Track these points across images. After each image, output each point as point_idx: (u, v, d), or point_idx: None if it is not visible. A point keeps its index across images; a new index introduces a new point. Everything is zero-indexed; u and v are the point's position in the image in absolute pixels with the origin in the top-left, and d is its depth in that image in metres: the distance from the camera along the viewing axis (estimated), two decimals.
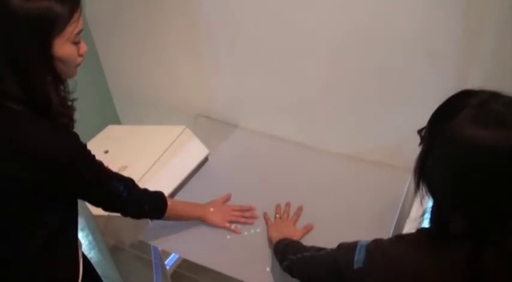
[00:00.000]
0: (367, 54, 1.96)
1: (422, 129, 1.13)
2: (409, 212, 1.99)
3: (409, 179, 2.08)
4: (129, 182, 1.57)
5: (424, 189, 1.12)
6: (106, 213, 1.66)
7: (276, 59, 2.19)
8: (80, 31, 1.32)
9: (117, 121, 3.07)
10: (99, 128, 2.58)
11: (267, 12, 2.08)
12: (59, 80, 1.34)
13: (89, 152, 1.39)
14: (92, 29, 2.69)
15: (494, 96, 1.02)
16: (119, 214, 1.61)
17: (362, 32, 1.92)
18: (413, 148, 1.16)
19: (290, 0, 1.99)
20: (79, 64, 1.38)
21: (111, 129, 2.56)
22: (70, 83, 1.41)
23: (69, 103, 1.39)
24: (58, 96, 1.33)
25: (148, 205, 1.66)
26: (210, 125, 2.63)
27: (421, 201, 1.14)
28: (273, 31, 2.12)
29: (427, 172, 1.09)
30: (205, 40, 2.36)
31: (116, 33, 2.66)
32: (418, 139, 1.14)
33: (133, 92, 2.88)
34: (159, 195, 1.73)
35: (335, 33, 1.97)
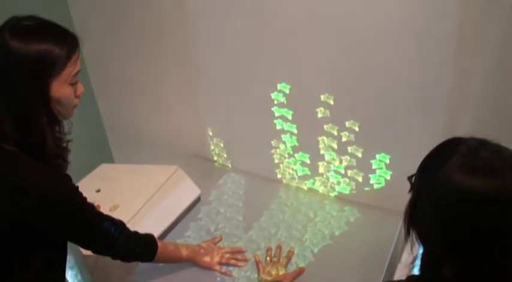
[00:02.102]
0: (361, 99, 1.99)
1: (412, 176, 1.14)
2: (401, 255, 1.98)
3: (400, 223, 2.08)
4: (120, 225, 1.57)
5: (414, 235, 1.12)
6: None
7: (271, 102, 2.21)
8: (78, 72, 1.33)
9: (110, 159, 3.07)
10: (93, 166, 2.57)
11: (262, 57, 2.12)
12: (55, 121, 1.35)
13: (80, 194, 1.39)
14: (89, 67, 2.71)
15: (482, 144, 1.03)
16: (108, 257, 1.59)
17: (354, 78, 1.95)
18: (405, 191, 1.17)
19: (285, 48, 2.02)
20: (76, 105, 1.39)
21: (104, 168, 2.56)
22: (66, 124, 1.42)
23: (64, 144, 1.39)
24: (53, 137, 1.33)
25: (139, 248, 1.65)
26: (203, 165, 2.64)
27: (411, 248, 1.14)
28: (268, 75, 2.15)
29: (416, 219, 1.10)
30: (200, 81, 2.39)
31: (112, 73, 2.68)
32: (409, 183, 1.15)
33: (127, 131, 2.89)
34: (149, 238, 1.72)
35: (328, 79, 2.00)
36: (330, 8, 1.87)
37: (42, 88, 1.26)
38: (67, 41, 1.30)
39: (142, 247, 1.68)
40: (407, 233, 1.13)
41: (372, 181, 2.18)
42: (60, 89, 1.28)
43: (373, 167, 2.13)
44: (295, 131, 2.26)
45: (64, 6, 2.60)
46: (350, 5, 1.82)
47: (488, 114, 1.77)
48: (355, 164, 2.17)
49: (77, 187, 1.38)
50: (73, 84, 1.33)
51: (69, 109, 1.36)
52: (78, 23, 2.55)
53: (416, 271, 1.16)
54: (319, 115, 2.13)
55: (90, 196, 1.44)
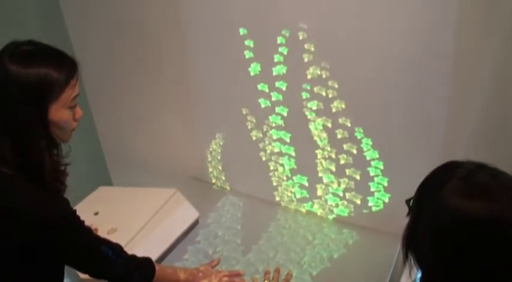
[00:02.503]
0: (358, 122, 2.01)
1: (410, 199, 1.14)
2: (399, 279, 1.97)
3: (399, 246, 2.07)
4: (117, 248, 1.56)
5: (412, 259, 1.11)
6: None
7: (269, 124, 2.22)
8: (76, 96, 1.34)
9: (108, 182, 3.06)
10: (91, 189, 2.57)
11: (259, 81, 2.14)
12: (54, 144, 1.35)
13: (77, 217, 1.38)
14: (88, 91, 2.72)
15: (480, 167, 1.03)
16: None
17: (352, 101, 1.97)
18: (404, 214, 1.17)
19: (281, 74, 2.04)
20: (74, 129, 1.39)
21: (102, 191, 2.55)
22: (64, 147, 1.42)
23: (62, 168, 1.39)
24: (51, 160, 1.33)
25: (137, 271, 1.63)
26: (201, 188, 2.64)
27: (410, 272, 1.14)
28: (265, 99, 2.16)
29: (415, 242, 1.09)
30: (198, 105, 2.41)
31: (111, 96, 2.70)
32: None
33: (126, 154, 2.89)
34: (147, 261, 1.71)
35: (326, 103, 2.02)
36: (328, 35, 1.90)
37: (40, 112, 1.26)
38: (66, 65, 1.31)
39: (140, 271, 1.66)
40: (406, 257, 1.13)
41: (370, 204, 2.17)
42: (58, 112, 1.29)
43: (372, 189, 2.13)
44: (294, 154, 2.26)
45: (64, 32, 2.62)
46: (350, 34, 1.84)
47: (486, 138, 1.78)
48: (353, 187, 2.18)
49: (75, 211, 1.38)
50: (71, 108, 1.33)
51: (68, 133, 1.37)
52: (77, 48, 2.58)
53: None
54: (317, 138, 2.13)
55: (88, 219, 1.43)
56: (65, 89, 1.29)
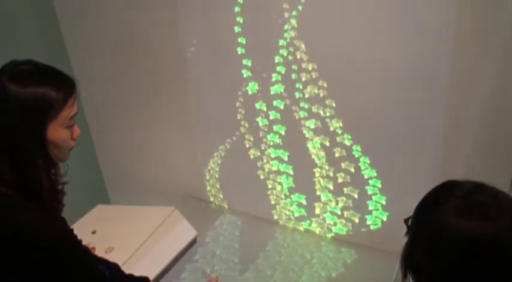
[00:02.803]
0: (356, 140, 2.01)
1: (408, 219, 1.14)
2: None
3: (397, 265, 2.06)
4: (115, 268, 1.55)
5: (411, 278, 1.11)
6: None
7: (267, 143, 2.23)
8: (74, 115, 1.34)
9: (107, 200, 3.05)
10: (89, 207, 2.56)
11: (259, 99, 2.15)
12: (51, 163, 1.35)
13: (75, 237, 1.38)
14: (86, 110, 2.73)
15: (478, 187, 1.03)
16: None
17: (351, 120, 1.97)
18: (402, 232, 1.17)
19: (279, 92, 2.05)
20: (72, 148, 1.39)
21: (100, 209, 2.54)
22: (62, 166, 1.41)
23: (60, 187, 1.39)
24: (49, 180, 1.33)
25: None
26: (199, 206, 2.63)
27: None
28: (264, 118, 2.17)
29: (413, 262, 1.09)
30: (197, 123, 2.41)
31: (110, 114, 2.70)
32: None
33: (124, 172, 2.88)
34: (144, 281, 1.70)
35: (324, 122, 2.03)
36: (325, 55, 1.92)
37: (38, 131, 1.26)
38: (64, 85, 1.31)
39: None
40: (404, 276, 1.12)
41: (368, 222, 2.17)
42: (56, 132, 1.28)
43: (370, 208, 2.13)
44: (292, 172, 2.27)
45: (63, 52, 2.63)
46: (347, 53, 1.86)
47: (483, 156, 1.79)
48: (351, 205, 2.17)
49: (72, 230, 1.37)
50: (69, 127, 1.33)
51: (66, 152, 1.36)
52: (76, 67, 2.58)
53: None
54: (315, 156, 2.14)
55: (86, 238, 1.43)
56: (63, 108, 1.28)
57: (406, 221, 1.15)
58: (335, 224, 2.27)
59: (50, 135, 1.29)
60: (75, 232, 1.41)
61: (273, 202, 2.41)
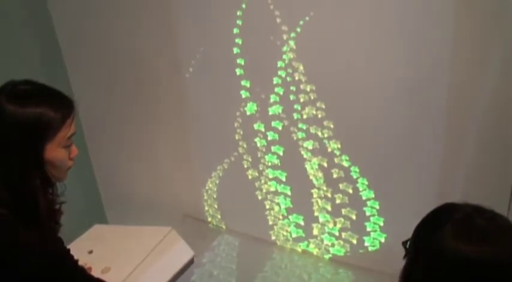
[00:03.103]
0: (355, 161, 2.01)
1: (406, 241, 1.13)
2: None
3: None
4: None
5: None
6: None
7: (265, 164, 2.23)
8: (72, 135, 1.34)
9: (104, 220, 3.04)
10: (86, 227, 2.55)
11: (258, 119, 2.15)
12: (49, 183, 1.35)
13: (71, 257, 1.37)
14: (85, 129, 2.73)
15: (477, 210, 1.03)
16: None
17: (350, 140, 1.98)
18: (400, 254, 1.16)
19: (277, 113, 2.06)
20: (70, 167, 1.38)
21: (97, 229, 2.53)
22: (59, 186, 1.41)
23: (57, 207, 1.38)
24: (46, 200, 1.32)
25: None
26: (197, 226, 2.62)
27: None
28: (263, 138, 2.17)
29: None
30: (195, 143, 2.42)
31: (108, 134, 2.70)
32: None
33: (122, 191, 2.88)
34: None
35: (322, 144, 2.03)
36: (324, 76, 1.93)
37: (36, 151, 1.26)
38: (62, 105, 1.31)
39: None
40: None
41: (366, 243, 2.17)
42: (54, 151, 1.28)
43: (368, 229, 2.13)
44: (289, 193, 2.26)
45: (63, 74, 2.64)
46: (345, 75, 1.88)
47: (481, 178, 1.79)
48: (349, 226, 2.17)
49: (68, 250, 1.37)
50: (67, 147, 1.33)
51: (63, 171, 1.36)
52: (75, 86, 2.59)
53: None
54: (313, 177, 2.14)
55: (82, 258, 1.42)
56: (61, 128, 1.29)
57: (404, 243, 1.14)
58: (333, 245, 2.26)
59: (48, 155, 1.29)
60: (71, 252, 1.41)
61: (270, 223, 2.40)
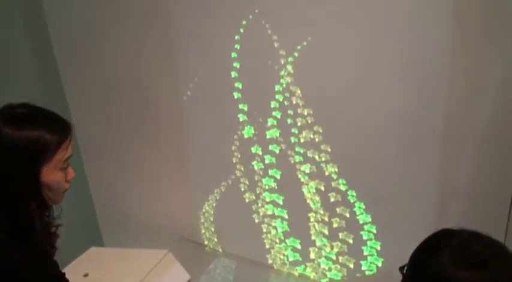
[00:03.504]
0: (351, 185, 2.02)
1: (403, 267, 1.14)
2: None
3: None
4: None
5: None
6: None
7: (262, 187, 2.23)
8: (69, 157, 1.34)
9: (100, 242, 3.03)
10: (83, 249, 2.54)
11: (255, 143, 2.16)
12: (45, 206, 1.34)
13: (66, 281, 1.36)
14: (82, 151, 2.74)
15: (474, 236, 1.04)
16: None
17: (347, 163, 1.98)
18: (397, 278, 1.16)
19: (275, 137, 2.07)
20: (66, 190, 1.38)
21: (93, 252, 2.52)
22: (55, 209, 1.41)
23: (53, 229, 1.38)
24: (42, 223, 1.32)
25: None
26: (193, 249, 2.61)
27: None
28: (260, 162, 2.18)
29: None
30: (192, 166, 2.42)
31: (106, 157, 2.71)
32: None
33: (118, 214, 2.87)
34: None
35: (318, 171, 2.04)
36: (321, 100, 1.94)
37: (33, 173, 1.26)
38: (59, 128, 1.32)
39: None
40: None
41: (363, 268, 2.16)
42: (51, 174, 1.29)
43: (365, 253, 2.12)
44: (286, 217, 2.26)
45: (61, 96, 2.65)
46: (343, 99, 1.89)
47: (478, 202, 1.79)
48: (346, 250, 2.17)
49: (64, 274, 1.36)
50: (64, 169, 1.33)
51: (59, 194, 1.36)
52: (73, 109, 2.61)
53: None
54: (310, 201, 2.14)
55: (78, 281, 1.41)
56: (57, 151, 1.29)
57: (401, 269, 1.15)
58: (330, 269, 2.26)
59: (44, 177, 1.29)
60: (67, 275, 1.40)
61: (267, 246, 2.40)
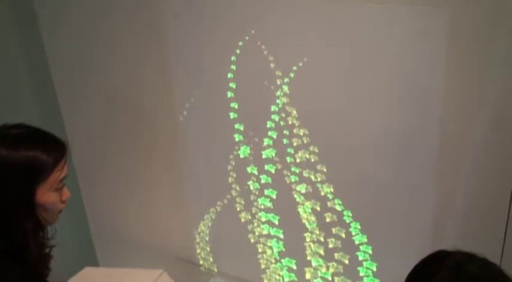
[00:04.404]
0: (347, 206, 2.02)
1: None
2: None
3: None
4: None
5: None
6: None
7: (258, 207, 2.23)
8: (64, 178, 1.34)
9: (95, 262, 3.01)
10: (76, 269, 2.52)
11: (251, 163, 2.16)
12: (39, 226, 1.34)
13: None
14: (78, 171, 2.74)
15: (469, 258, 1.04)
16: None
17: (342, 184, 1.99)
18: None
19: (271, 157, 2.07)
20: (61, 211, 1.38)
21: (87, 272, 2.50)
22: (50, 229, 1.40)
23: (47, 250, 1.37)
24: (36, 243, 1.32)
25: None
26: (188, 269, 2.60)
27: None
28: (256, 181, 2.18)
29: None
30: (188, 185, 2.42)
31: (100, 177, 2.71)
32: None
33: (113, 233, 2.86)
34: None
35: (314, 191, 2.04)
36: (317, 120, 1.95)
37: (27, 194, 1.26)
38: (54, 148, 1.32)
39: None
40: None
41: None
42: (45, 195, 1.29)
43: (361, 274, 2.11)
44: (282, 236, 2.26)
45: (57, 116, 2.66)
46: (339, 120, 1.90)
47: (475, 221, 1.79)
48: (342, 271, 2.16)
49: None
50: (59, 190, 1.33)
51: (54, 214, 1.36)
52: (69, 128, 2.62)
53: None
54: (306, 221, 2.14)
55: None
56: (53, 171, 1.29)
57: None
58: None
59: (39, 198, 1.29)
60: None
61: (263, 266, 2.39)
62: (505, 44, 1.52)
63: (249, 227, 2.33)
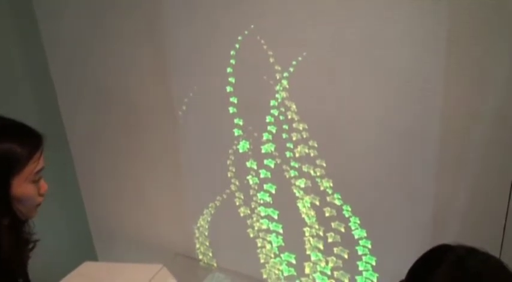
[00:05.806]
0: (347, 200, 2.02)
1: None
2: None
3: None
4: None
5: None
6: None
7: (257, 202, 2.23)
8: (41, 170, 1.32)
9: (94, 257, 3.02)
10: (76, 264, 2.52)
11: (250, 157, 2.16)
12: (17, 220, 1.31)
13: None
14: (77, 167, 2.73)
15: (471, 252, 1.04)
16: None
17: (343, 180, 1.99)
18: None
19: (270, 151, 2.07)
20: (39, 204, 1.35)
21: (86, 266, 2.50)
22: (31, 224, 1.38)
23: (31, 245, 1.35)
24: (10, 240, 1.28)
25: None
26: (188, 264, 2.60)
27: None
28: (255, 176, 2.18)
29: None
30: (187, 180, 2.42)
31: (99, 172, 2.71)
32: None
33: (113, 229, 2.86)
34: None
35: (314, 182, 2.04)
36: (316, 115, 1.95)
37: (1, 186, 1.24)
38: (29, 140, 1.30)
39: None
40: None
41: None
42: (21, 187, 1.26)
43: (360, 268, 2.12)
44: (281, 231, 2.26)
45: (56, 111, 2.66)
46: (338, 114, 1.90)
47: (475, 217, 1.80)
48: (341, 265, 2.16)
49: None
50: (35, 182, 1.31)
51: (32, 208, 1.33)
52: (67, 125, 2.61)
53: None
54: (305, 215, 2.14)
55: None
56: (27, 163, 1.27)
57: None
58: None
59: (15, 190, 1.26)
60: None
61: (262, 261, 2.39)
62: (506, 43, 1.52)
63: (248, 221, 2.33)
